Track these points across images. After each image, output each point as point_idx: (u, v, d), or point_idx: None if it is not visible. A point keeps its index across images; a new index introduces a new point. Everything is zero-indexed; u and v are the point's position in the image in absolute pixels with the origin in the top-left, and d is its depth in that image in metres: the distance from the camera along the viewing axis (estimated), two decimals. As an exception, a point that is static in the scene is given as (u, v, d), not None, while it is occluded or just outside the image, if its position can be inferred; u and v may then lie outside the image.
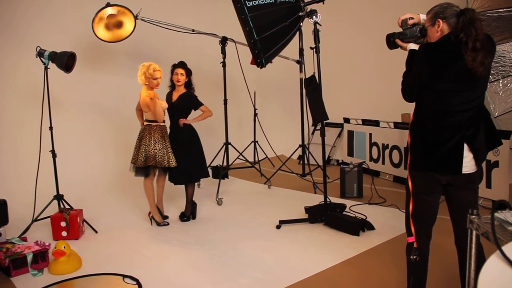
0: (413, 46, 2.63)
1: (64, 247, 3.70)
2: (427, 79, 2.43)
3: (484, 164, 4.88)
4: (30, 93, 5.99)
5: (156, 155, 4.61)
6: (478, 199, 4.26)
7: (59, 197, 4.72)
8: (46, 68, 4.65)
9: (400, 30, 2.76)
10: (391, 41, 2.81)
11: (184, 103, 4.89)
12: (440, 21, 2.46)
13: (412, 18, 2.70)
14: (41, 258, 3.75)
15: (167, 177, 4.96)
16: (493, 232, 1.43)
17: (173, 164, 4.70)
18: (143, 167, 4.68)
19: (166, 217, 4.99)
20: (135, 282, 3.41)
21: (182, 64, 4.90)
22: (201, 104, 4.97)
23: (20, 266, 3.64)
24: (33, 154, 4.74)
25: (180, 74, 4.85)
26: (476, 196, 2.62)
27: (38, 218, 4.61)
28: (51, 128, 4.69)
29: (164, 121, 4.81)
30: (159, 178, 4.93)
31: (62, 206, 4.70)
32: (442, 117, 2.44)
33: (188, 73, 4.91)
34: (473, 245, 1.66)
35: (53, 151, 4.72)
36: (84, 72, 6.42)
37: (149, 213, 4.87)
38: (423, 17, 2.66)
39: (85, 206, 4.92)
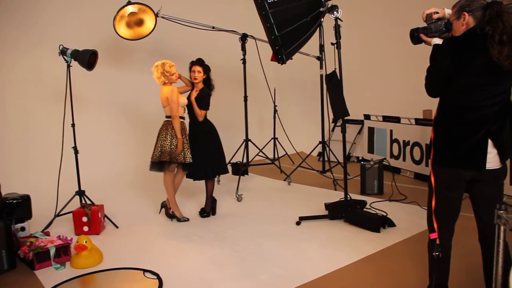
0: (438, 40, 2.59)
1: (85, 242, 3.74)
2: (452, 73, 2.38)
3: (508, 161, 4.78)
4: (53, 90, 6.07)
5: (172, 150, 4.63)
6: (503, 196, 4.16)
7: (81, 193, 4.78)
8: (68, 66, 4.71)
9: (424, 24, 2.71)
10: (415, 36, 2.76)
11: (198, 99, 4.88)
12: (466, 14, 2.41)
13: (437, 12, 2.65)
14: (63, 252, 3.80)
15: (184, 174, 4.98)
16: (522, 227, 1.39)
17: (188, 160, 4.71)
18: (158, 162, 4.72)
19: (171, 215, 4.95)
20: (155, 277, 3.43)
21: (199, 61, 4.89)
22: (204, 108, 4.87)
23: (43, 259, 3.69)
24: (56, 151, 4.80)
25: (197, 72, 4.85)
26: (501, 192, 2.56)
27: (61, 213, 4.68)
28: (73, 125, 4.74)
29: (183, 118, 4.83)
30: (176, 174, 4.93)
31: (83, 201, 4.76)
32: (467, 112, 2.39)
33: (206, 70, 4.90)
34: (501, 241, 1.62)
35: (75, 148, 4.78)
36: (106, 69, 6.49)
37: (170, 208, 4.89)
38: (448, 11, 2.61)
39: (106, 202, 4.97)
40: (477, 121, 2.38)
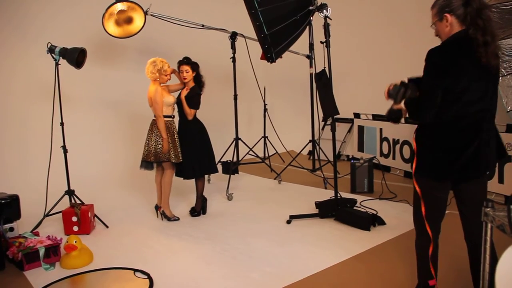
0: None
1: (75, 242, 3.72)
2: (445, 82, 2.30)
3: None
4: (41, 89, 6.02)
5: (157, 150, 4.63)
6: (491, 194, 4.21)
7: (70, 192, 4.75)
8: (57, 64, 4.67)
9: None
10: (391, 117, 2.69)
11: (188, 98, 4.87)
12: (448, 15, 2.35)
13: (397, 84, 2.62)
14: (53, 252, 3.77)
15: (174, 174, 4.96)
16: (509, 224, 1.40)
17: (173, 159, 4.70)
18: (145, 161, 4.75)
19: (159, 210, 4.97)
20: (146, 276, 3.42)
21: (186, 61, 4.85)
22: (194, 107, 4.85)
23: (32, 260, 3.66)
24: (45, 150, 4.77)
25: (185, 71, 4.83)
26: (486, 190, 2.55)
27: (50, 213, 4.64)
28: (62, 123, 4.71)
29: (173, 116, 4.82)
30: (165, 173, 4.91)
31: (73, 201, 4.73)
32: (461, 120, 2.34)
33: (195, 67, 4.88)
34: (488, 238, 1.64)
35: (64, 147, 4.74)
36: (95, 68, 6.44)
37: (160, 207, 4.88)
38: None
39: (96, 201, 4.95)
40: (472, 128, 2.34)
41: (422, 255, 2.68)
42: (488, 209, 1.64)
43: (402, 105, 2.54)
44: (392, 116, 2.67)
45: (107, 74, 6.94)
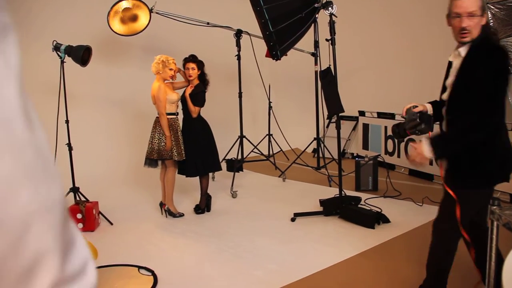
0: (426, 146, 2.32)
1: (80, 239, 3.72)
2: (508, 85, 2.29)
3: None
4: (47, 87, 6.03)
5: (160, 148, 4.64)
6: (496, 193, 4.19)
7: (75, 190, 4.76)
8: (62, 62, 4.68)
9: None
10: (396, 132, 2.68)
11: (192, 96, 4.87)
12: (486, 13, 2.39)
13: (416, 106, 2.57)
14: (58, 249, 3.78)
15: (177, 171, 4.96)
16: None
17: (176, 157, 4.70)
18: (149, 159, 4.78)
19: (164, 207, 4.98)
20: (150, 273, 3.43)
21: (192, 58, 4.86)
22: (198, 105, 4.84)
23: (37, 256, 3.67)
24: (49, 147, 4.77)
25: (191, 69, 4.82)
26: None
27: (55, 210, 4.65)
28: (67, 121, 4.72)
29: (177, 114, 4.83)
30: (168, 171, 4.92)
31: (78, 198, 4.74)
32: (504, 120, 2.32)
33: (200, 65, 4.88)
34: (494, 236, 1.63)
35: (69, 144, 4.76)
36: (100, 65, 6.45)
37: (165, 205, 4.89)
38: (429, 106, 2.57)
39: (101, 199, 4.95)
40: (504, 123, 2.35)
41: (446, 259, 2.62)
42: (495, 207, 1.63)
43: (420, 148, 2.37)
44: (395, 136, 2.72)
45: (111, 71, 6.95)
